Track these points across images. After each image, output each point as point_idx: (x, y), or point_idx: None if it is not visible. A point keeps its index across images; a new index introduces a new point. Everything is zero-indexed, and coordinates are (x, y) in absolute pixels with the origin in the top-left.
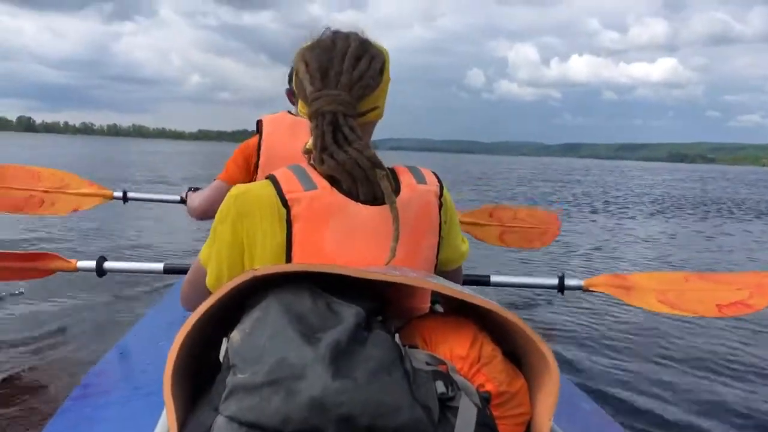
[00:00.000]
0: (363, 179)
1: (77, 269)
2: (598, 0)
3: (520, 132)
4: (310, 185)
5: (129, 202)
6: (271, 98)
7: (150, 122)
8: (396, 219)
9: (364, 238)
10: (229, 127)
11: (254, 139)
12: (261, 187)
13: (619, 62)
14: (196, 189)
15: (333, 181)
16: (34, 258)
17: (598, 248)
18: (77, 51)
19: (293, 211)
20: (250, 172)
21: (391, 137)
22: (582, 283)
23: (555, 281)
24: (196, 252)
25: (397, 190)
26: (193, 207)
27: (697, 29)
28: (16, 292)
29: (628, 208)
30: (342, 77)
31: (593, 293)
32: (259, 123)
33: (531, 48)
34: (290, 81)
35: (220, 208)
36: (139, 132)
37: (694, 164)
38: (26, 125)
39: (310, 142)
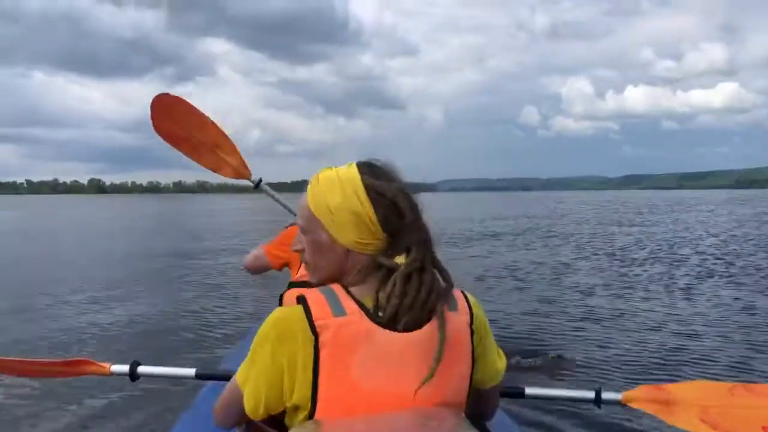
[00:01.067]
0: (394, 305)
1: (111, 374)
2: (650, 29)
3: (579, 166)
4: (339, 311)
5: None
6: (327, 148)
7: (213, 178)
8: (441, 343)
9: (393, 365)
10: (288, 177)
11: (294, 229)
12: (297, 310)
13: (676, 90)
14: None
15: (362, 305)
16: (70, 364)
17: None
18: (142, 114)
19: (321, 338)
20: (289, 253)
21: (449, 178)
22: (620, 396)
23: (591, 394)
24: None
25: (428, 317)
26: (245, 261)
27: (756, 51)
28: (48, 390)
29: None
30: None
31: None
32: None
33: (585, 82)
34: None
35: (259, 331)
36: (203, 187)
37: (765, 189)
38: (97, 187)
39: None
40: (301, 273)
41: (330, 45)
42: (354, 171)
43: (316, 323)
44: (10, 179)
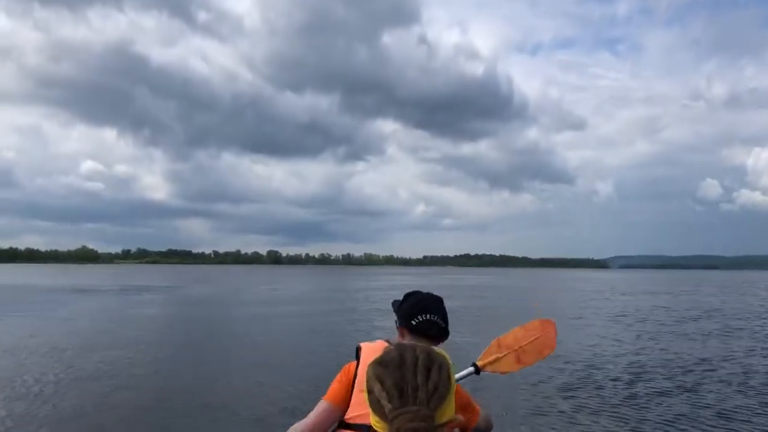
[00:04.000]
0: None
1: None
2: None
3: None
4: None
5: None
6: (491, 222)
7: (380, 250)
8: None
9: None
10: (451, 252)
11: (353, 364)
12: None
13: None
14: None
15: None
16: None
17: None
18: (317, 190)
19: None
20: (348, 398)
21: (620, 254)
22: None
23: None
24: None
25: None
26: (296, 428)
27: None
28: None
29: None
30: (418, 392)
31: None
32: (358, 349)
33: None
34: (397, 313)
35: None
36: (369, 260)
37: None
38: (274, 258)
39: None
40: (360, 412)
41: (494, 121)
42: None
43: None
44: (200, 250)
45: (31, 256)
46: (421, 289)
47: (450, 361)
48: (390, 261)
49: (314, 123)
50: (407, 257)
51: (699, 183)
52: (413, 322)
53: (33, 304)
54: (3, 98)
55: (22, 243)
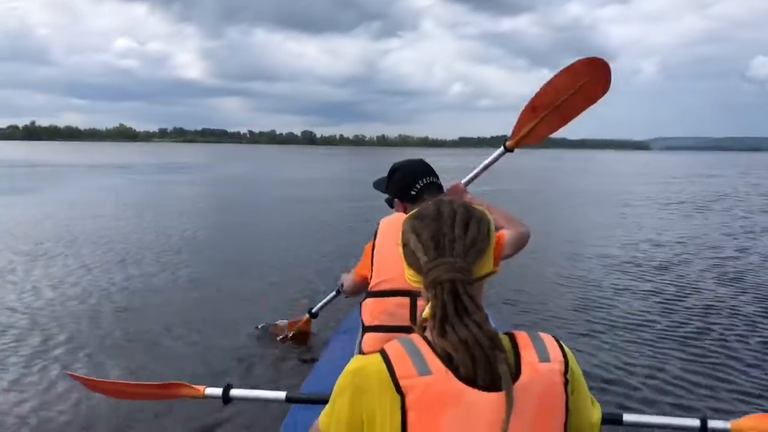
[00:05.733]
0: (483, 361)
1: (204, 396)
2: None
3: None
4: (424, 369)
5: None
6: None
7: (414, 131)
8: (509, 409)
9: (482, 427)
10: (488, 132)
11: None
12: (377, 363)
13: None
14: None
15: (448, 360)
16: (168, 386)
17: None
18: (351, 69)
19: (408, 399)
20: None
21: (662, 136)
22: (728, 426)
23: (696, 423)
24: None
25: (517, 370)
26: (345, 286)
27: None
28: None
29: None
30: (456, 244)
31: None
32: (378, 224)
33: None
34: (385, 190)
35: (338, 379)
36: (404, 141)
37: None
38: (308, 139)
39: (426, 311)
40: (377, 280)
41: None
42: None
43: (401, 383)
44: (236, 129)
45: (71, 134)
46: (446, 172)
47: (490, 217)
48: (425, 143)
49: None
50: (442, 139)
51: (749, 61)
52: (413, 192)
53: (79, 179)
54: None
55: (62, 121)
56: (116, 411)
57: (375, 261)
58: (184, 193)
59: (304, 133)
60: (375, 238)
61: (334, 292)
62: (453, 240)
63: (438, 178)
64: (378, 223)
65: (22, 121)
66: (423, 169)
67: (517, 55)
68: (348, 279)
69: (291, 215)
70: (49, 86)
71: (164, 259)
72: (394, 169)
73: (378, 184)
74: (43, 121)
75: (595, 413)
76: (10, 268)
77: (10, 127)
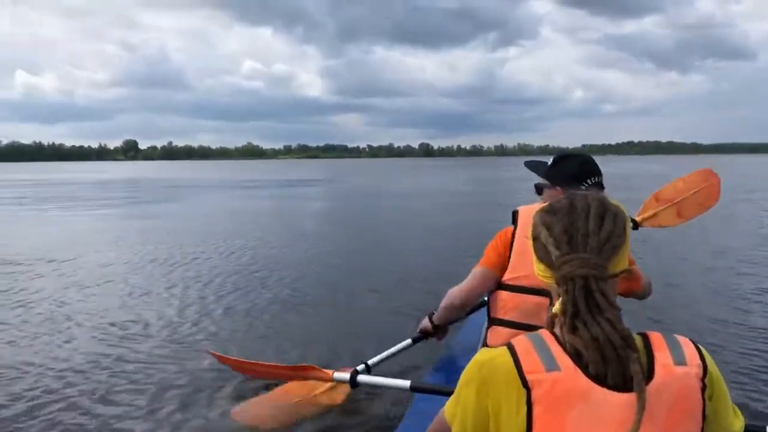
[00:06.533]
0: (614, 360)
1: (333, 380)
2: None
3: None
4: (552, 365)
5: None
6: (657, 107)
7: (534, 140)
8: (640, 411)
9: (610, 428)
10: (613, 139)
11: (510, 229)
12: (504, 356)
13: None
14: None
15: (578, 357)
16: (297, 369)
17: None
18: (468, 80)
19: (534, 394)
20: (505, 261)
21: None
22: None
23: None
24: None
25: (650, 372)
26: (454, 296)
27: None
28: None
29: None
30: (589, 239)
31: None
32: (515, 213)
33: None
34: (545, 175)
35: (465, 371)
36: (523, 150)
37: None
38: (425, 151)
39: (556, 306)
40: (516, 274)
41: None
42: None
43: (528, 377)
44: (355, 144)
45: (203, 153)
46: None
47: (626, 213)
48: (545, 151)
49: (463, 7)
50: (564, 146)
51: None
52: (583, 186)
53: (208, 194)
54: (171, 4)
55: (196, 141)
56: (255, 389)
57: (514, 252)
58: (307, 206)
59: (421, 145)
60: (515, 227)
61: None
62: (587, 234)
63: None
64: (516, 211)
65: (160, 142)
66: (596, 167)
67: (641, 57)
68: (460, 289)
69: (410, 226)
70: (184, 109)
71: (291, 261)
72: (564, 156)
73: (535, 166)
74: (179, 142)
75: (737, 423)
76: (162, 271)
77: (149, 147)
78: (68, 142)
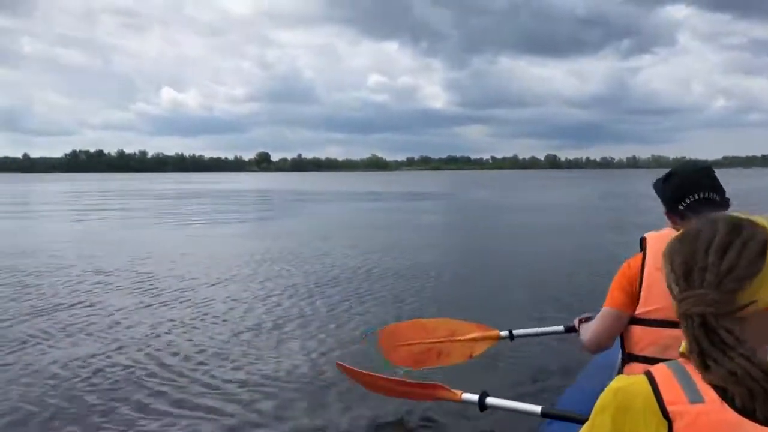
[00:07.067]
0: (761, 395)
1: (461, 401)
2: None
3: None
4: (695, 397)
5: (516, 339)
6: None
7: (669, 152)
8: None
9: None
10: (758, 151)
11: (637, 259)
12: (642, 384)
13: None
14: (587, 318)
15: (722, 391)
16: (426, 387)
17: None
18: (597, 89)
19: (675, 426)
20: (635, 295)
21: None
22: None
23: None
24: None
25: None
26: (585, 340)
27: None
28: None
29: None
30: (707, 274)
31: None
32: (642, 240)
33: None
34: (662, 197)
35: (600, 397)
36: (657, 162)
37: None
38: (551, 162)
39: (683, 346)
40: (648, 308)
41: None
42: None
43: (669, 408)
44: (479, 156)
45: (330, 165)
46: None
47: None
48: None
49: (593, 15)
50: (703, 159)
51: None
52: (681, 207)
53: (329, 204)
54: (300, 20)
55: (324, 153)
56: (382, 406)
57: (644, 285)
58: (425, 219)
59: (547, 156)
60: (644, 257)
61: (558, 327)
62: (704, 268)
63: (721, 193)
64: (644, 239)
65: (290, 154)
66: (700, 181)
67: None
68: (592, 332)
69: (534, 242)
70: (313, 122)
71: (407, 270)
72: (670, 174)
73: (658, 186)
74: (308, 154)
75: None
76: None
77: (281, 159)
78: (207, 154)
